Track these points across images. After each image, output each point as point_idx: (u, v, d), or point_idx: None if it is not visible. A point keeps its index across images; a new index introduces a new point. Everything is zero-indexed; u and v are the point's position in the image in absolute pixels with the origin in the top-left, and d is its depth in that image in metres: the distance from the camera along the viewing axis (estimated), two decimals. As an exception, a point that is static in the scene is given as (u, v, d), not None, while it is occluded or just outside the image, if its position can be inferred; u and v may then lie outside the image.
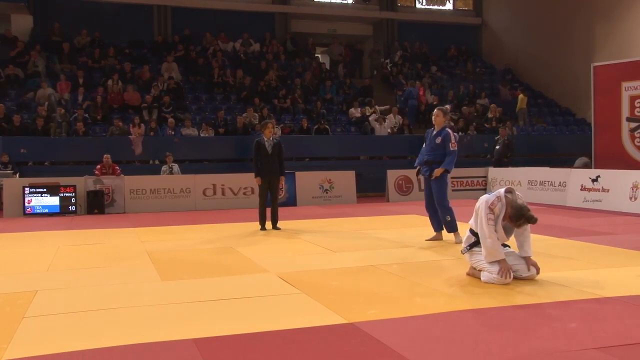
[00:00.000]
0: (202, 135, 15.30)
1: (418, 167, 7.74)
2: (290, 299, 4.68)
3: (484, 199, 5.03)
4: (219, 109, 16.47)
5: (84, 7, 19.11)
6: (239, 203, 12.93)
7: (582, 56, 19.39)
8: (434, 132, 7.51)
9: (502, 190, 5.01)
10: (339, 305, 4.38)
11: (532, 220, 4.89)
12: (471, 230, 5.25)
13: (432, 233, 7.72)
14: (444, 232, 7.59)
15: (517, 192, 5.04)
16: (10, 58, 16.66)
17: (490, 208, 4.92)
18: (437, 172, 7.31)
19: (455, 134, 7.49)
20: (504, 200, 4.92)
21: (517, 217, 4.88)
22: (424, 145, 7.78)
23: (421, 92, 19.05)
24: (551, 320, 3.97)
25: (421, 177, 7.83)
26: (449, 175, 7.53)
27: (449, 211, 7.41)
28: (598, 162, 13.29)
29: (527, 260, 5.07)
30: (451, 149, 7.28)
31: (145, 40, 19.63)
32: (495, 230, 4.96)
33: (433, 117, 7.59)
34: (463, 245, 5.38)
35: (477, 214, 5.09)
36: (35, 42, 17.52)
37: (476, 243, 5.18)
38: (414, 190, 14.19)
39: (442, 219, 7.44)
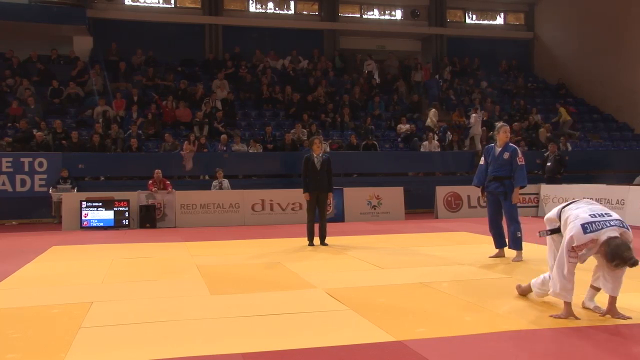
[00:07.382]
0: (250, 151, 15.52)
1: (482, 186, 7.58)
2: (337, 315, 4.66)
3: (576, 228, 4.26)
4: (267, 125, 16.69)
5: (139, 28, 19.95)
6: (287, 218, 13.01)
7: (638, 70, 18.73)
8: (499, 149, 7.41)
9: (607, 235, 4.19)
10: (387, 323, 4.33)
11: (629, 261, 4.07)
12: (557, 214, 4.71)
13: (490, 251, 7.65)
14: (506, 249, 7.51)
15: (630, 233, 4.25)
16: (72, 77, 17.40)
17: (574, 249, 4.26)
18: (515, 197, 7.24)
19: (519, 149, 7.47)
20: (597, 248, 4.25)
21: (612, 256, 4.14)
22: (481, 163, 7.66)
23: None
24: (613, 344, 3.81)
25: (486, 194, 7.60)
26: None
27: (520, 227, 7.32)
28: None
29: (609, 302, 4.42)
30: (519, 163, 7.25)
31: (197, 58, 20.17)
32: (582, 261, 4.37)
33: (499, 133, 7.44)
34: (547, 227, 4.79)
35: (560, 240, 4.44)
36: (94, 62, 18.27)
37: (558, 230, 4.67)
38: (463, 207, 13.97)
39: (512, 234, 7.31)
